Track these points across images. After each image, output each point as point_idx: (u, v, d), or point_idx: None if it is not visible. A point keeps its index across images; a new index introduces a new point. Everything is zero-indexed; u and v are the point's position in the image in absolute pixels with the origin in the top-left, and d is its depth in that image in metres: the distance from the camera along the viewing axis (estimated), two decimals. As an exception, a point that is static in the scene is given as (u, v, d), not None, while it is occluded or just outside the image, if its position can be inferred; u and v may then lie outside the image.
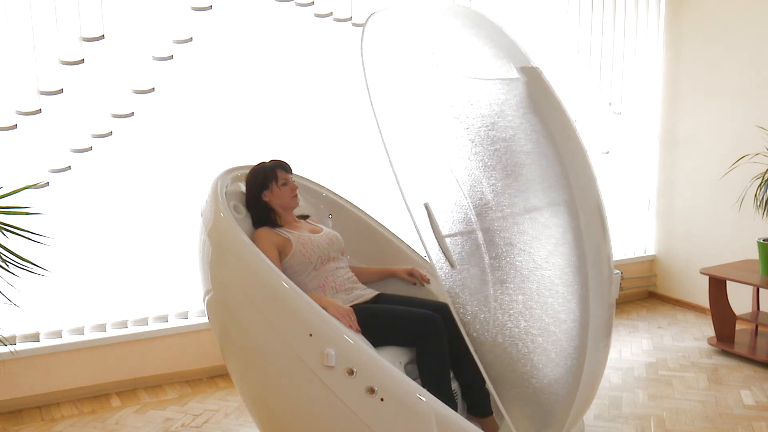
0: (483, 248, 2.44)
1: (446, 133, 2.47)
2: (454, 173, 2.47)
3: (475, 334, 2.50)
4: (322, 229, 2.88)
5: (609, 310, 2.34)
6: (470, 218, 2.46)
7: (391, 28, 2.51)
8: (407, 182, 2.30)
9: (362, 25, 2.38)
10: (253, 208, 2.80)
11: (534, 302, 2.34)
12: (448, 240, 2.40)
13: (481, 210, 2.43)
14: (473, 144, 2.41)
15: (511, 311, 2.39)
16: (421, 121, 2.51)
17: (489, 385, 2.34)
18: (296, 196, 2.82)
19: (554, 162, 2.25)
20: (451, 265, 2.38)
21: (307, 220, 2.94)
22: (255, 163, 2.91)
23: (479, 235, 2.45)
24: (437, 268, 2.35)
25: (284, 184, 2.79)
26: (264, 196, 2.78)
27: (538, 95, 2.35)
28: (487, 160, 2.39)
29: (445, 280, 2.44)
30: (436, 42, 2.54)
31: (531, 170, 2.32)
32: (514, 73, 2.36)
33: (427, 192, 2.45)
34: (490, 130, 2.38)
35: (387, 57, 2.48)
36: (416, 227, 2.25)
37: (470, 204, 2.45)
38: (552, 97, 2.36)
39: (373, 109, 2.30)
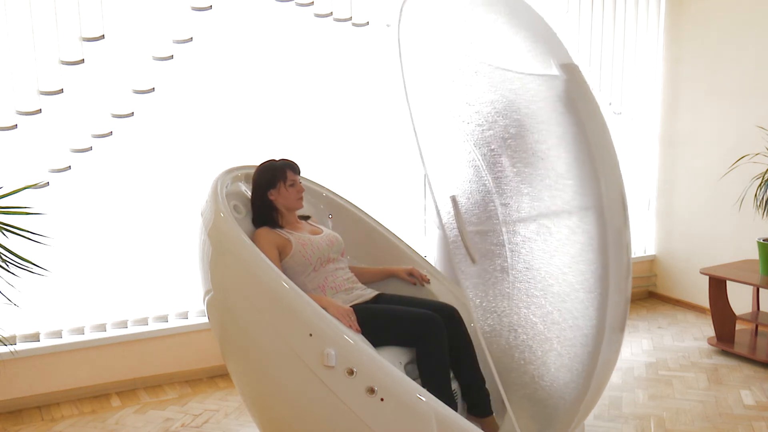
0: (506, 247, 2.41)
1: (477, 128, 2.42)
2: (482, 169, 2.42)
3: (488, 329, 2.48)
4: (323, 231, 2.88)
5: (625, 304, 2.30)
6: (496, 216, 2.42)
7: (427, 12, 2.45)
8: (435, 174, 2.28)
9: (399, 6, 2.32)
10: (258, 205, 2.79)
11: (553, 306, 2.31)
12: (470, 235, 2.37)
13: (508, 208, 2.39)
14: (504, 141, 2.35)
15: (529, 313, 2.37)
16: (451, 112, 2.46)
17: (498, 384, 2.32)
18: (302, 198, 2.82)
19: (587, 165, 2.18)
20: (472, 260, 2.36)
21: (308, 221, 2.94)
22: (255, 163, 2.91)
23: (504, 233, 2.42)
24: (456, 261, 2.32)
25: (292, 185, 2.78)
26: (270, 194, 2.78)
27: (576, 95, 2.25)
28: (518, 158, 2.34)
29: (463, 276, 2.41)
30: (473, 30, 2.44)
31: (563, 172, 2.26)
32: (554, 70, 2.26)
33: (454, 186, 2.40)
34: (523, 128, 2.32)
35: (421, 43, 2.41)
36: (440, 219, 2.24)
37: (498, 202, 2.41)
38: (590, 97, 2.27)
39: (407, 95, 2.26)
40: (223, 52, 3.75)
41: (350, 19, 3.93)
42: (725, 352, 4.12)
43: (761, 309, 4.46)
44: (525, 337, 2.40)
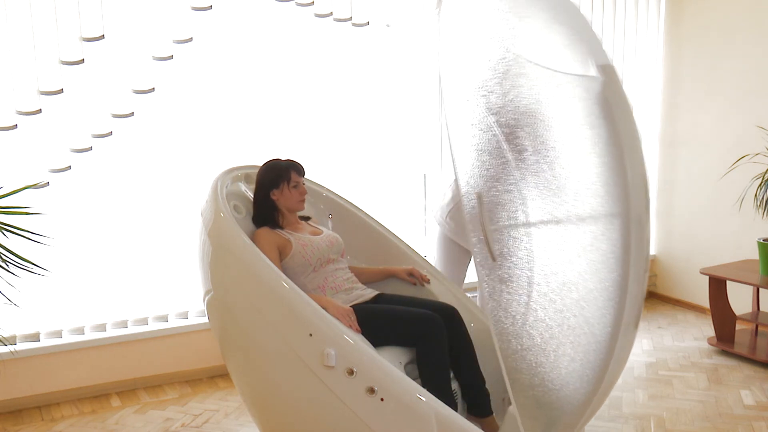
0: (528, 249, 2.39)
1: (508, 128, 2.39)
2: (511, 167, 2.39)
3: (501, 330, 2.46)
4: (323, 231, 2.88)
5: (641, 300, 2.29)
6: (520, 216, 2.40)
7: (463, 3, 2.43)
8: (462, 169, 2.27)
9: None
10: (260, 204, 2.79)
11: (570, 312, 2.29)
12: (492, 233, 2.34)
13: (533, 210, 2.37)
14: (536, 141, 2.32)
15: (545, 317, 2.35)
16: (484, 109, 2.43)
17: (506, 384, 2.32)
18: (304, 200, 2.81)
19: (618, 172, 2.14)
20: (492, 258, 2.34)
21: (309, 222, 2.94)
22: (255, 163, 2.91)
23: (526, 234, 2.40)
24: (477, 260, 2.30)
25: (295, 187, 2.78)
26: (273, 194, 2.77)
27: (612, 99, 2.17)
28: (548, 160, 2.30)
29: (481, 273, 2.39)
30: (512, 24, 2.37)
31: (592, 176, 2.21)
32: (593, 71, 2.18)
33: (480, 183, 2.39)
34: (556, 129, 2.30)
35: (457, 37, 2.39)
36: (468, 213, 2.24)
37: (523, 201, 2.39)
38: (625, 101, 2.22)
39: (441, 84, 2.24)
40: (223, 52, 3.75)
41: (350, 19, 3.93)
42: (725, 352, 4.12)
43: (761, 309, 4.46)
44: (539, 340, 2.39)
